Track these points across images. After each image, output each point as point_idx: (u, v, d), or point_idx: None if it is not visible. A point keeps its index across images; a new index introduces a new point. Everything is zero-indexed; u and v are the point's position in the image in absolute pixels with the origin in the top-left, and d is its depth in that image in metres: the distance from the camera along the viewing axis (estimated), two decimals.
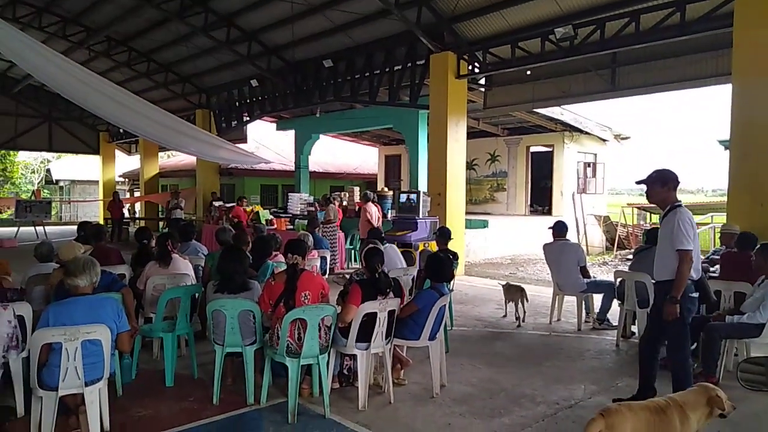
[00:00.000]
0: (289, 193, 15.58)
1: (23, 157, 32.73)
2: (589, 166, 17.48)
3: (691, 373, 4.01)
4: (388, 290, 4.15)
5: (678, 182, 3.96)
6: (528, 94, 11.28)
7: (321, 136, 17.62)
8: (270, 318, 4.12)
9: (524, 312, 6.86)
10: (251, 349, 4.20)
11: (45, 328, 3.16)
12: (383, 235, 6.37)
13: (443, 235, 6.40)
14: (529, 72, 10.90)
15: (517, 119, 15.36)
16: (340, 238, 11.30)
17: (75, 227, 8.94)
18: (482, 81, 11.90)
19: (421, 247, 9.48)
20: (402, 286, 4.35)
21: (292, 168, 18.39)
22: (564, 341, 6.12)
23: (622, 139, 17.67)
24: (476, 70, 10.75)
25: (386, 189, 13.69)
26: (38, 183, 35.03)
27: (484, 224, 13.51)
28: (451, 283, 5.16)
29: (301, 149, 17.32)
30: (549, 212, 16.65)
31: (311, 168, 18.04)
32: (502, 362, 5.30)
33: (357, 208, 13.49)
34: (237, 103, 16.77)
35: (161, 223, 20.66)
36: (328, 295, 4.26)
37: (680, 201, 3.97)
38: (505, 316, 7.18)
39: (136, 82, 17.38)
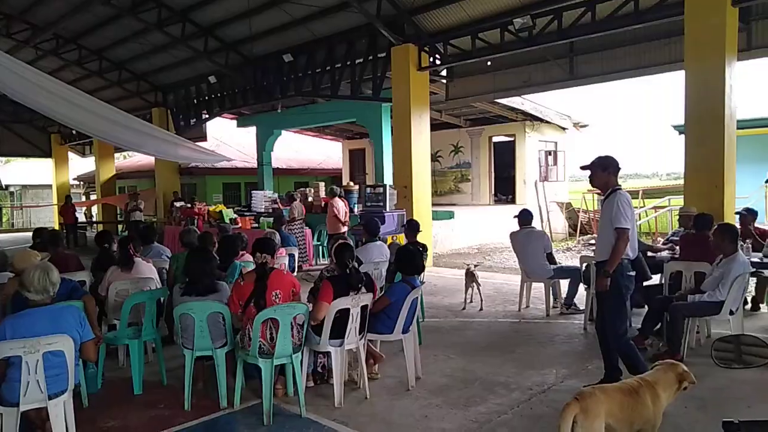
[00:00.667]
0: (253, 191, 15.35)
1: None
2: (550, 154, 17.81)
3: (634, 345, 4.15)
4: (360, 285, 4.11)
5: (618, 168, 4.15)
6: (489, 84, 11.39)
7: (283, 132, 17.39)
8: (240, 319, 4.03)
9: (480, 296, 7.09)
10: (222, 352, 4.11)
11: (2, 342, 3.00)
12: (379, 231, 6.39)
13: (412, 228, 6.40)
14: (489, 63, 11.01)
15: (479, 110, 15.50)
16: (307, 234, 11.19)
17: (28, 234, 8.55)
18: (444, 72, 11.94)
19: (389, 241, 9.48)
20: (374, 281, 4.33)
21: (255, 165, 18.10)
22: (534, 327, 6.21)
23: (581, 127, 18.05)
24: (437, 62, 10.79)
25: (351, 183, 13.58)
26: None
27: (450, 215, 13.62)
28: (422, 275, 5.16)
29: (264, 146, 17.06)
30: (513, 201, 16.90)
31: (274, 165, 17.79)
32: (474, 351, 5.34)
33: (323, 203, 13.38)
34: (195, 101, 16.37)
35: (120, 226, 20.06)
36: (300, 293, 4.20)
37: (620, 185, 4.17)
38: (469, 302, 7.23)
39: (87, 81, 16.75)
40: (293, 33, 12.35)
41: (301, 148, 23.59)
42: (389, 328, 4.35)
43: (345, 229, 10.41)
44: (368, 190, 10.30)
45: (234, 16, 12.23)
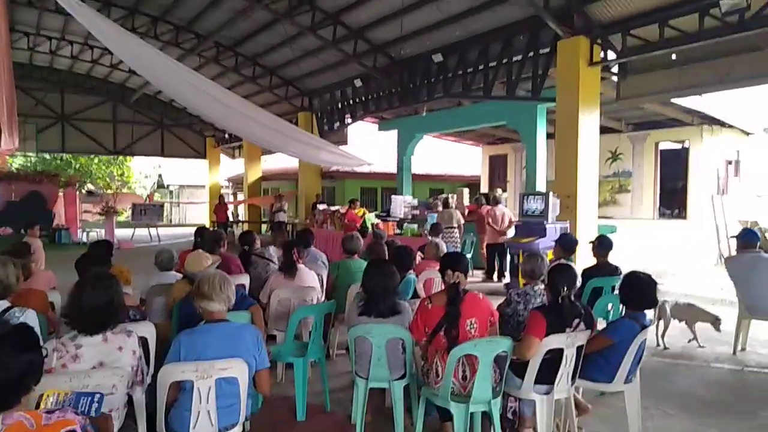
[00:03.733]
0: (392, 196, 14.98)
1: (138, 162, 34.76)
2: (730, 163, 15.35)
3: None
4: (577, 321, 3.23)
5: None
6: (674, 81, 9.79)
7: (424, 136, 16.87)
8: (425, 349, 3.35)
9: (695, 337, 5.85)
10: (400, 385, 3.46)
11: (175, 363, 2.58)
12: (575, 249, 5.45)
13: (604, 245, 5.31)
14: (674, 56, 9.47)
15: (646, 112, 13.71)
16: None
17: (185, 229, 8.84)
18: (614, 69, 10.57)
19: (550, 256, 8.42)
20: (593, 315, 3.40)
21: (391, 170, 17.79)
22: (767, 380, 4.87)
23: None
24: (611, 57, 9.51)
25: (500, 191, 12.63)
26: (151, 187, 37.17)
27: (612, 230, 12.01)
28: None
29: (404, 150, 16.62)
30: (682, 216, 14.78)
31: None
32: (699, 407, 4.19)
33: (467, 211, 12.64)
34: (339, 105, 16.43)
35: (264, 226, 20.91)
36: (497, 322, 3.42)
37: None
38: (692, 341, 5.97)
39: (242, 87, 17.57)
40: (445, 32, 11.73)
41: (438, 153, 22.96)
42: (607, 375, 3.42)
43: (503, 238, 9.70)
44: (527, 198, 9.27)
45: (385, 17, 11.89)
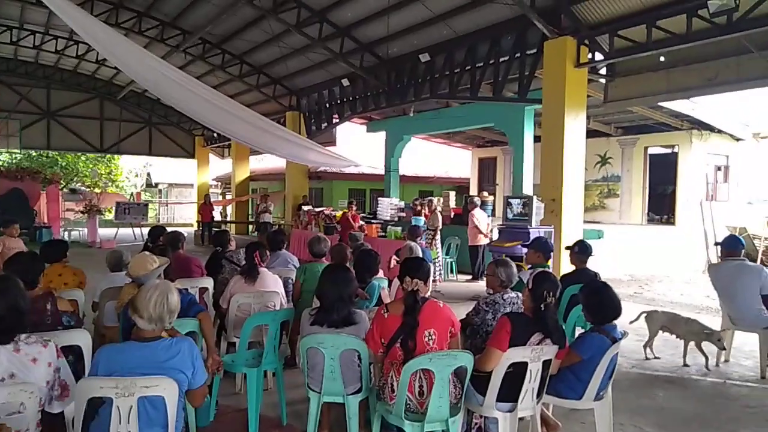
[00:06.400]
0: (379, 198, 14.77)
1: (127, 160, 34.34)
2: (719, 169, 15.23)
3: None
4: (552, 333, 3.00)
5: None
6: (661, 84, 9.62)
7: (412, 137, 16.66)
8: (381, 361, 3.13)
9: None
10: (355, 400, 3.24)
11: (92, 378, 2.34)
12: (551, 254, 5.17)
13: (584, 251, 5.10)
14: (662, 58, 9.31)
15: (636, 116, 13.55)
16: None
17: (171, 228, 8.42)
18: (603, 71, 10.40)
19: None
20: (563, 330, 3.17)
21: (380, 171, 17.58)
22: (750, 394, 4.67)
23: (762, 138, 15.24)
24: (599, 58, 9.34)
25: (486, 194, 12.45)
26: (140, 186, 36.76)
27: (599, 235, 11.88)
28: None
29: (392, 151, 16.43)
30: (670, 222, 14.62)
31: (400, 171, 17.07)
32: (678, 424, 3.99)
33: (452, 214, 12.48)
34: (327, 105, 16.22)
35: (251, 227, 20.65)
36: (459, 333, 3.19)
37: None
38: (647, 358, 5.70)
39: (229, 85, 17.37)
40: (432, 30, 11.56)
41: (427, 156, 22.78)
42: (576, 392, 3.21)
43: (485, 241, 9.66)
44: (511, 202, 9.08)
45: (372, 14, 11.70)
